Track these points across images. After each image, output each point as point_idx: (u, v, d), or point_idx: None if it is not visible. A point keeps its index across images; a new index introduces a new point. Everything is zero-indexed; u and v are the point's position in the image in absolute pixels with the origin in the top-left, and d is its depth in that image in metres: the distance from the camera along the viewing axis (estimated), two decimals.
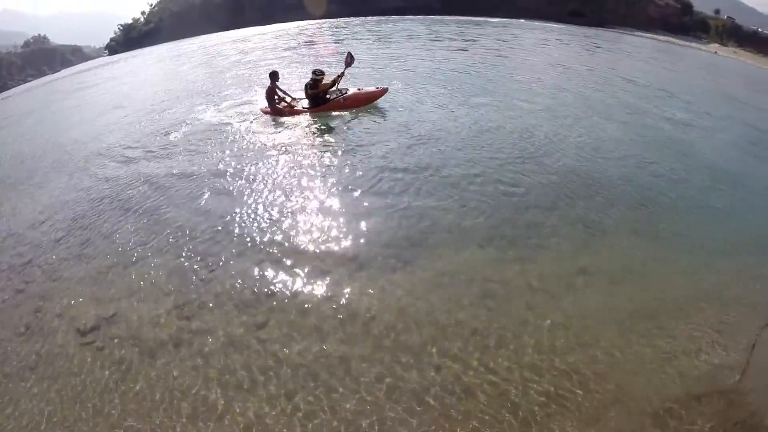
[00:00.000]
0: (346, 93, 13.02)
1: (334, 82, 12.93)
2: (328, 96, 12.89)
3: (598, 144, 11.14)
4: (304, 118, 12.64)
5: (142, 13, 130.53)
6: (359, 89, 13.33)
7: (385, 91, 13.28)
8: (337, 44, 34.34)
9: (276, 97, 12.97)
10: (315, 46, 33.76)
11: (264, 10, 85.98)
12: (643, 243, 7.15)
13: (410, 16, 64.41)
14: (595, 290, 5.94)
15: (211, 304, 5.71)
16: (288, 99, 13.18)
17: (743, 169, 11.26)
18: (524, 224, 7.25)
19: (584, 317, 5.46)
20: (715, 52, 78.75)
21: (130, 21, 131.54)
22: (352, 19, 64.43)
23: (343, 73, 13.05)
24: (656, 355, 5.03)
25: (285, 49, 32.76)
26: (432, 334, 5.09)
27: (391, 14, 69.04)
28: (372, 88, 13.42)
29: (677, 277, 6.38)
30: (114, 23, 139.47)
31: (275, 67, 15.79)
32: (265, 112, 13.17)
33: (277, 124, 12.43)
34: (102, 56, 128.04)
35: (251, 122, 12.84)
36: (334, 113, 12.80)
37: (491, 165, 9.24)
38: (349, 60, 13.37)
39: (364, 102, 13.11)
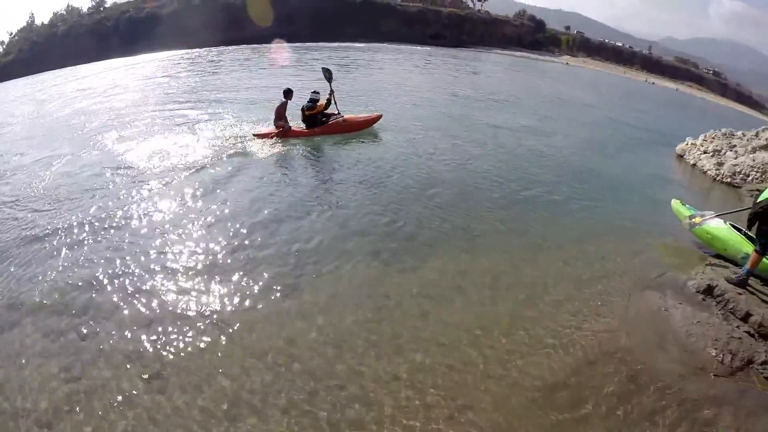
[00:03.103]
0: (342, 117, 12.92)
1: (329, 101, 12.81)
2: (324, 119, 12.74)
3: (463, 156, 11.80)
4: (287, 141, 12.27)
5: (1, 43, 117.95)
6: (354, 115, 13.39)
7: (379, 117, 13.48)
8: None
9: (283, 117, 12.49)
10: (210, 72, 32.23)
11: (128, 40, 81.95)
12: (516, 239, 7.65)
13: (293, 44, 64.14)
14: (478, 288, 6.15)
15: (99, 360, 5.03)
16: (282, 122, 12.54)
17: (595, 163, 12.74)
18: (404, 238, 7.38)
19: (473, 313, 5.60)
20: (567, 63, 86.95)
21: None
22: (224, 48, 62.78)
23: (332, 90, 12.93)
24: (546, 334, 5.29)
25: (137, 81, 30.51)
26: (330, 354, 4.90)
27: (262, 42, 68.48)
28: (366, 115, 13.60)
29: (552, 264, 6.90)
30: None
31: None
32: (262, 135, 12.46)
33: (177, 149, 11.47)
34: None
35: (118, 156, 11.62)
36: (321, 137, 12.62)
37: (367, 185, 9.39)
38: (327, 75, 13.18)
39: (360, 126, 13.15)
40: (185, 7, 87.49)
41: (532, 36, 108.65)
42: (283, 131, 12.43)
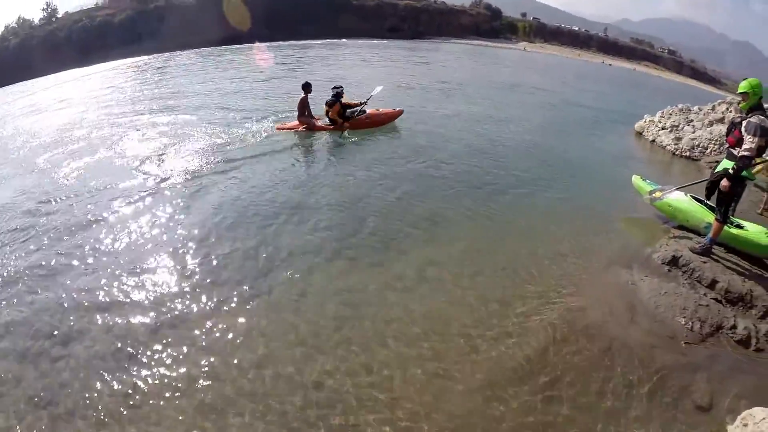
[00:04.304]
0: (365, 112, 13.12)
1: (359, 104, 13.13)
2: (347, 114, 12.85)
3: (419, 147, 11.71)
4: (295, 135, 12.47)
5: None
6: (377, 110, 13.48)
7: (401, 112, 13.57)
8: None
9: (306, 110, 12.74)
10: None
11: (83, 50, 79.67)
12: (480, 226, 7.66)
13: (242, 45, 63.11)
14: (446, 276, 6.14)
15: (73, 383, 4.79)
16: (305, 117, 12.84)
17: (554, 146, 12.89)
18: (368, 232, 7.22)
19: (442, 302, 5.60)
20: (524, 49, 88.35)
21: None
22: (180, 52, 61.25)
23: (366, 102, 13.27)
24: (516, 316, 5.33)
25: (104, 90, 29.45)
26: (301, 354, 4.81)
27: (221, 44, 67.32)
28: (389, 110, 13.66)
29: (518, 247, 6.93)
30: None
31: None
32: (290, 127, 12.78)
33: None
34: None
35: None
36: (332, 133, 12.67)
37: (325, 182, 9.25)
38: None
39: (383, 122, 13.31)
40: (138, 13, 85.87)
41: (489, 24, 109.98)
42: (307, 126, 12.61)
